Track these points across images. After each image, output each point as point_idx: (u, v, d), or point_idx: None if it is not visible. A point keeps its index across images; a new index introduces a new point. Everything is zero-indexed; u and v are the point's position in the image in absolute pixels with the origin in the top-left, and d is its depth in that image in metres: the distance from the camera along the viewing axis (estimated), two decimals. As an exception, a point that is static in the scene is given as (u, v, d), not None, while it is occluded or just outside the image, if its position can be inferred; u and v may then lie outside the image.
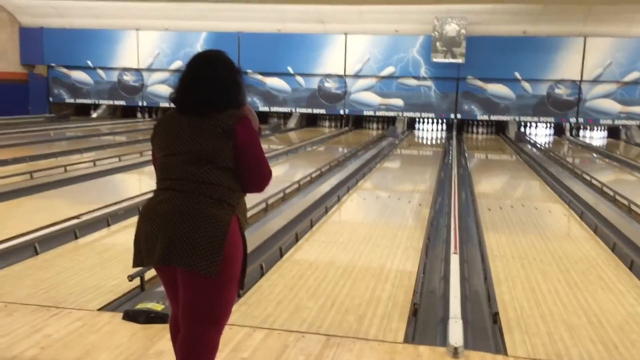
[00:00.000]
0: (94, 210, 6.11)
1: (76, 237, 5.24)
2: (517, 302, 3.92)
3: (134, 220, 2.75)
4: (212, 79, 2.25)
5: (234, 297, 2.31)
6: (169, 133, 2.27)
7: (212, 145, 2.19)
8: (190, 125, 2.23)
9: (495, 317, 3.64)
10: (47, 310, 3.49)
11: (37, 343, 3.06)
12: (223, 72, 2.30)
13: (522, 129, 18.01)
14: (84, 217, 5.76)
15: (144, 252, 2.25)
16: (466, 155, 12.79)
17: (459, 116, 18.18)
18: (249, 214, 6.15)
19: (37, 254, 4.71)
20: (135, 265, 2.33)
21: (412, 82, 18.12)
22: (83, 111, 20.76)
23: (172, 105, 2.34)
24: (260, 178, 2.31)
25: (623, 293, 4.15)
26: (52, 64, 20.20)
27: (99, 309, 3.57)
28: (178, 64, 19.13)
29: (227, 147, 2.20)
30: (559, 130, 18.32)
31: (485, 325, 3.65)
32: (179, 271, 2.23)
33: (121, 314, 3.41)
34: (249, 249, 4.93)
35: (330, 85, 18.65)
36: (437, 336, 3.46)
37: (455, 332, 3.16)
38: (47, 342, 3.08)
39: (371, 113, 18.69)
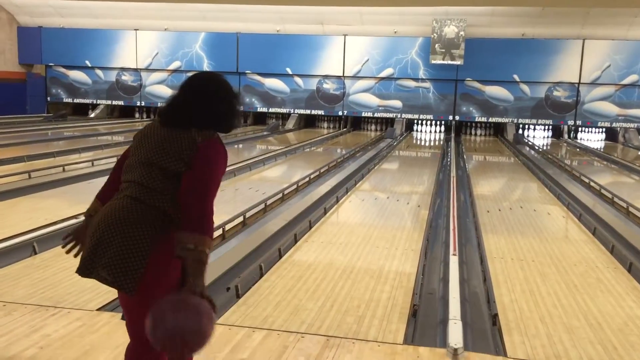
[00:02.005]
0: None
1: (75, 237, 5.22)
2: (516, 304, 3.92)
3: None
4: (208, 101, 2.18)
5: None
6: (143, 138, 2.21)
7: (172, 154, 2.08)
8: (164, 134, 2.15)
9: (494, 319, 3.64)
10: (45, 310, 3.48)
11: (35, 343, 3.05)
12: (220, 94, 2.21)
13: (521, 131, 18.04)
14: (82, 217, 5.73)
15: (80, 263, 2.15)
16: (464, 157, 12.80)
17: (457, 118, 18.20)
18: (248, 214, 6.17)
19: (35, 253, 4.70)
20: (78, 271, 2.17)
21: (411, 83, 18.14)
22: (81, 111, 20.73)
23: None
24: (192, 209, 2.02)
25: (622, 295, 4.16)
26: (51, 64, 20.17)
27: (97, 309, 3.56)
28: (176, 64, 19.14)
29: (184, 160, 2.06)
30: (557, 133, 18.35)
31: (485, 327, 3.65)
32: None
33: (120, 314, 3.39)
34: (248, 249, 4.94)
35: (329, 86, 18.65)
36: (436, 337, 3.45)
37: (455, 334, 3.17)
38: (46, 341, 3.07)
39: (370, 114, 18.70)
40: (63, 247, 2.36)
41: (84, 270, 2.11)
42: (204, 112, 2.16)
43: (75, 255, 2.29)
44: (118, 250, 2.00)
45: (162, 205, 2.07)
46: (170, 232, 2.03)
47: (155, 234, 2.03)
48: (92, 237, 2.09)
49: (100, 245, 2.04)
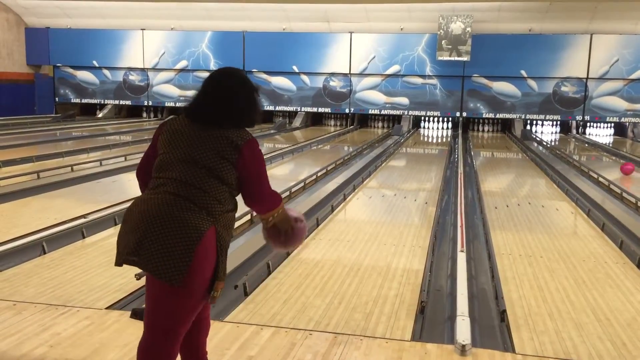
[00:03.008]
0: (100, 210, 6.13)
1: (83, 236, 5.27)
2: (524, 300, 3.91)
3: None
4: (229, 96, 2.26)
5: (197, 308, 2.21)
6: (175, 133, 2.25)
7: (215, 154, 2.17)
8: (198, 132, 2.22)
9: (502, 315, 3.63)
10: (55, 309, 3.50)
11: (45, 341, 3.07)
12: (240, 90, 2.29)
13: (528, 127, 17.96)
14: (91, 217, 5.78)
15: (121, 250, 2.19)
16: (472, 153, 12.76)
17: (464, 114, 18.15)
18: (255, 213, 6.18)
19: (45, 253, 4.73)
20: (116, 263, 2.23)
21: (418, 80, 18.10)
22: (89, 111, 20.83)
23: (182, 111, 2.33)
24: (259, 197, 2.33)
25: (631, 290, 4.14)
26: (58, 64, 20.27)
27: (106, 308, 3.58)
28: (183, 63, 19.18)
29: (229, 161, 2.19)
30: (565, 128, 18.26)
31: (493, 323, 3.64)
32: (146, 275, 2.19)
33: (129, 313, 3.41)
34: (255, 247, 4.95)
35: (336, 84, 18.64)
36: (444, 334, 3.45)
37: (463, 330, 3.16)
38: (56, 340, 3.09)
39: (376, 111, 18.68)
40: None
41: (126, 260, 2.16)
42: (228, 109, 2.24)
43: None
44: (165, 245, 2.07)
45: (204, 202, 2.15)
46: (210, 227, 2.14)
47: (198, 229, 2.10)
48: (136, 230, 2.13)
49: (146, 239, 2.09)
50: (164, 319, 2.17)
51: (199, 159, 2.17)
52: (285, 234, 2.45)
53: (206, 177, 2.16)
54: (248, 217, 6.01)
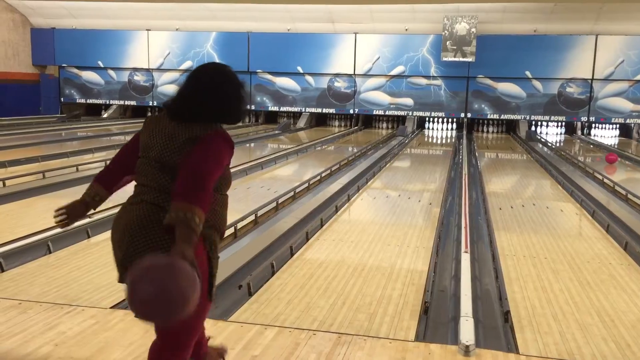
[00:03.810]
0: (105, 209, 6.14)
1: (88, 236, 5.29)
2: (528, 301, 3.91)
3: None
4: (210, 89, 2.20)
5: (204, 311, 2.25)
6: (152, 133, 2.23)
7: (179, 153, 2.12)
8: (172, 131, 2.18)
9: (506, 316, 3.63)
10: (60, 308, 3.52)
11: (50, 340, 3.09)
12: (223, 84, 2.23)
13: (533, 128, 17.92)
14: (96, 216, 5.79)
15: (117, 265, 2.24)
16: (476, 154, 12.74)
17: (469, 115, 18.13)
18: (260, 212, 6.20)
19: (50, 252, 4.76)
20: (119, 280, 2.26)
21: (422, 81, 18.09)
22: (94, 111, 20.90)
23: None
24: (189, 183, 2.04)
25: (635, 292, 4.13)
26: (64, 65, 20.35)
27: (111, 307, 3.59)
28: (188, 64, 19.22)
29: (183, 152, 2.11)
30: (570, 129, 18.21)
31: (497, 324, 3.64)
32: None
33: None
34: (260, 248, 4.96)
35: (340, 84, 18.65)
36: (448, 334, 3.45)
37: (467, 331, 3.16)
38: (61, 339, 3.10)
39: (381, 112, 18.68)
40: (55, 217, 2.45)
41: (122, 277, 2.18)
42: (211, 105, 2.19)
43: (62, 227, 2.47)
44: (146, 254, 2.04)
45: None
46: None
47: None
48: (121, 243, 2.18)
49: (130, 252, 2.13)
50: (175, 331, 2.17)
51: (165, 159, 2.14)
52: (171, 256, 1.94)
53: (174, 178, 2.10)
54: (252, 217, 6.03)
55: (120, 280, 2.21)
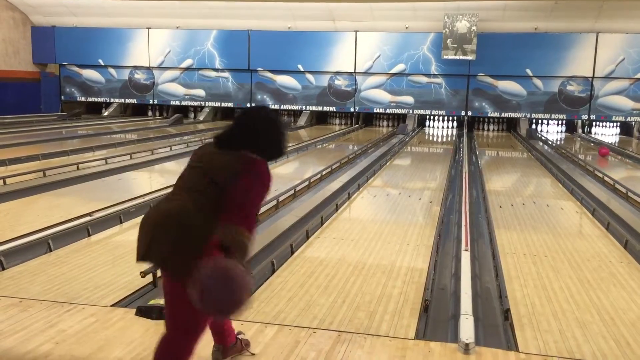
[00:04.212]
0: (106, 208, 6.16)
1: (89, 234, 5.29)
2: (528, 299, 3.91)
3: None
4: (252, 127, 2.46)
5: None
6: (199, 155, 2.49)
7: (225, 170, 2.33)
8: (219, 154, 2.42)
9: (506, 314, 3.64)
10: (61, 306, 3.52)
11: (51, 338, 3.09)
12: (265, 125, 2.49)
13: (534, 126, 17.91)
14: (97, 215, 5.80)
15: (140, 247, 2.35)
16: (477, 152, 12.74)
17: (469, 113, 18.12)
18: (260, 211, 6.19)
19: (50, 250, 4.76)
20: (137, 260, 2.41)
21: (423, 79, 18.08)
22: (94, 109, 20.91)
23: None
24: (237, 216, 2.30)
25: (635, 290, 4.13)
26: (64, 63, 20.36)
27: (112, 305, 3.60)
28: (188, 62, 19.23)
29: (234, 176, 2.32)
30: (571, 127, 18.20)
31: (497, 322, 3.65)
32: (163, 279, 2.37)
33: (134, 310, 3.44)
34: (260, 246, 4.97)
35: (341, 82, 18.64)
36: (448, 332, 3.46)
37: (467, 329, 3.16)
38: (61, 337, 3.11)
39: (381, 110, 18.67)
40: None
41: (142, 257, 2.35)
42: (262, 147, 2.46)
43: None
44: (176, 248, 2.26)
45: (210, 209, 2.29)
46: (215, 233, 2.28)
47: (204, 233, 2.26)
48: (147, 235, 2.32)
49: (157, 243, 2.28)
50: (185, 317, 2.30)
51: (214, 175, 2.34)
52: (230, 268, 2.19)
53: (218, 191, 2.30)
54: (253, 215, 6.02)
55: (143, 260, 2.35)
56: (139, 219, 2.44)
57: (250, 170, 2.35)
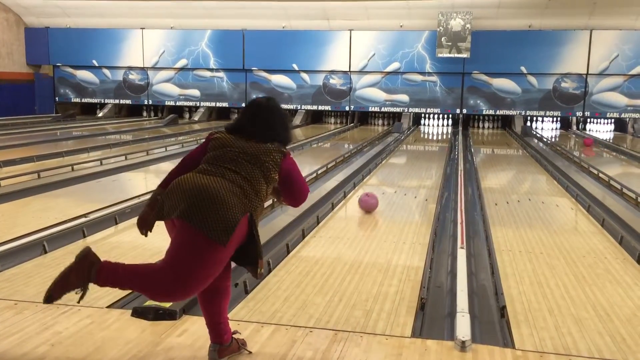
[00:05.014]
0: (101, 209, 6.14)
1: (84, 236, 5.28)
2: (524, 296, 3.92)
3: (141, 217, 2.78)
4: (269, 119, 2.81)
5: (222, 264, 2.58)
6: (227, 140, 2.73)
7: (264, 157, 2.67)
8: (247, 142, 2.72)
9: (502, 311, 3.64)
10: (56, 308, 3.51)
11: (47, 340, 3.08)
12: (277, 115, 2.85)
13: (529, 123, 17.95)
14: (92, 216, 5.79)
15: (167, 208, 2.56)
16: (472, 150, 12.76)
17: (464, 111, 18.15)
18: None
19: (45, 252, 4.74)
20: (157, 217, 2.63)
21: (418, 77, 18.10)
22: (89, 110, 20.86)
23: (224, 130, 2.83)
24: (300, 196, 2.87)
25: (631, 286, 4.15)
26: (58, 64, 20.29)
27: (107, 306, 3.59)
28: (183, 62, 19.20)
29: (272, 170, 2.68)
30: (565, 124, 18.25)
31: (493, 319, 3.65)
32: (185, 226, 2.50)
33: (130, 311, 3.43)
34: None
35: (336, 81, 18.64)
36: (444, 330, 3.46)
37: (463, 326, 3.17)
38: (57, 339, 3.10)
39: (376, 109, 18.69)
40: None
41: (171, 216, 2.56)
42: (268, 133, 2.78)
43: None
44: (217, 214, 2.49)
45: (247, 191, 2.61)
46: (247, 212, 2.59)
47: (240, 209, 2.54)
48: (189, 198, 2.52)
49: (198, 207, 2.49)
50: (195, 268, 2.48)
51: (250, 158, 2.65)
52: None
53: (255, 172, 2.64)
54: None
55: (160, 219, 2.63)
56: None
57: (286, 156, 2.75)
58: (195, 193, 2.52)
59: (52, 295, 2.56)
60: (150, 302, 3.45)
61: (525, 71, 17.42)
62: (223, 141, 2.73)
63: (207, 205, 2.49)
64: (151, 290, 2.55)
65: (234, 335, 2.90)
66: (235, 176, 2.61)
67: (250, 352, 2.93)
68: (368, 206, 6.36)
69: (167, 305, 3.38)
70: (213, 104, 19.64)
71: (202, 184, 2.55)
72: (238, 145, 2.70)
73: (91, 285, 3.97)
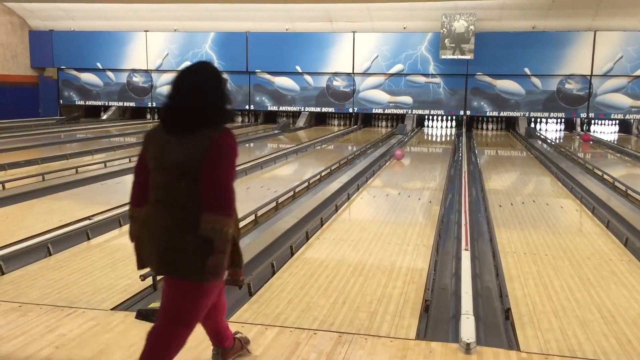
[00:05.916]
0: (105, 211, 6.15)
1: (88, 238, 5.28)
2: (529, 298, 3.90)
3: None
4: (196, 89, 2.36)
5: (214, 295, 2.48)
6: (159, 146, 2.38)
7: (194, 158, 2.24)
8: (176, 144, 2.31)
9: (507, 313, 3.63)
10: (60, 310, 3.51)
11: (51, 342, 3.09)
12: (206, 80, 2.42)
13: (533, 125, 17.92)
14: (96, 218, 5.80)
15: (145, 258, 2.46)
16: (476, 151, 12.74)
17: (468, 113, 18.13)
18: (260, 212, 6.20)
19: (50, 254, 4.75)
20: (140, 266, 2.55)
21: (421, 79, 18.08)
22: (93, 113, 20.91)
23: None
24: (218, 193, 2.27)
25: (636, 288, 4.13)
26: (62, 67, 20.35)
27: (112, 309, 3.59)
28: (186, 64, 19.12)
29: (200, 159, 2.25)
30: (569, 126, 18.21)
31: (498, 322, 3.64)
32: (168, 279, 2.41)
33: (134, 314, 3.43)
34: (260, 247, 4.96)
35: (339, 83, 18.64)
36: (449, 332, 3.45)
37: (468, 328, 3.16)
38: (61, 341, 3.10)
39: (380, 111, 18.67)
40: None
41: (157, 271, 2.53)
42: (198, 114, 2.31)
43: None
44: (181, 257, 2.32)
45: (198, 215, 2.27)
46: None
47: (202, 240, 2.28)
48: (152, 247, 2.38)
49: (164, 256, 2.35)
50: (186, 310, 2.38)
51: (174, 171, 2.28)
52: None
53: (193, 190, 2.26)
54: (252, 217, 6.02)
55: (142, 267, 2.52)
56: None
57: (224, 132, 2.30)
58: (159, 242, 2.32)
59: None
60: (154, 305, 3.45)
61: (529, 72, 17.38)
62: (156, 151, 2.38)
63: (175, 255, 2.29)
64: (174, 351, 2.43)
65: (236, 335, 2.90)
66: (177, 201, 2.29)
67: (250, 353, 2.93)
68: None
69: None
70: (216, 106, 19.63)
71: (160, 227, 2.31)
72: (170, 154, 2.30)
73: (94, 287, 3.99)
